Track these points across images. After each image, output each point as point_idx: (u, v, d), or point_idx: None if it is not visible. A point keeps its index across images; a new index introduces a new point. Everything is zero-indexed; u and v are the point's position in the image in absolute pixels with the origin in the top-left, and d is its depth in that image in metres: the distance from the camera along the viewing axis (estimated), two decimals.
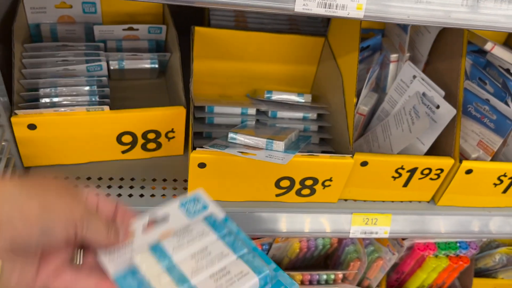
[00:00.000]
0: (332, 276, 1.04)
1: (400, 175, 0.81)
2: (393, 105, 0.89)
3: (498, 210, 0.90)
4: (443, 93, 0.80)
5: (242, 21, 1.02)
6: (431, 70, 0.90)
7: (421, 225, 0.88)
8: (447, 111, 0.78)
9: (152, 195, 0.78)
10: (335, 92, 0.86)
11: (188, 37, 0.86)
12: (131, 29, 0.93)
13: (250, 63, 0.97)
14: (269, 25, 1.01)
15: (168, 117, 0.80)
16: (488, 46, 0.88)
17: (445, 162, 0.80)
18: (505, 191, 0.86)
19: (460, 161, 0.80)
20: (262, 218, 0.81)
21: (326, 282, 1.05)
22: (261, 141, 0.73)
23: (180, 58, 0.85)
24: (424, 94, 0.82)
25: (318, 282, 1.05)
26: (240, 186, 0.77)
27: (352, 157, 0.77)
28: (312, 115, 0.91)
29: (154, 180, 0.81)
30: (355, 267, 1.04)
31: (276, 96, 0.91)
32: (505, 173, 0.82)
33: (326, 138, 0.90)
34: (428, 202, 0.89)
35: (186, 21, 0.92)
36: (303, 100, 0.92)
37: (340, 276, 1.05)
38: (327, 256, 1.18)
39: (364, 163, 0.78)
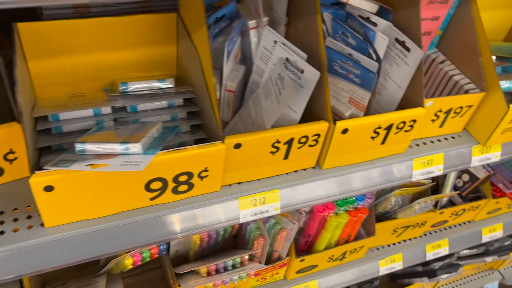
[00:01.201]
0: (238, 260, 1.00)
1: (278, 149, 0.77)
2: (261, 75, 0.84)
3: (381, 160, 0.90)
4: (305, 56, 0.76)
5: (83, 6, 0.89)
6: (293, 31, 0.85)
7: (311, 192, 0.86)
8: (311, 74, 0.74)
9: (2, 232, 0.66)
10: (196, 72, 0.78)
11: None
12: None
13: (102, 54, 0.85)
14: (115, 7, 0.89)
15: (1, 138, 0.67)
16: None
17: (320, 127, 0.77)
18: (383, 141, 0.86)
19: (334, 123, 0.77)
20: (141, 226, 0.73)
21: (234, 266, 1.01)
22: (114, 147, 0.64)
23: (3, 63, 0.71)
24: (287, 59, 0.77)
25: (226, 269, 1.01)
26: (104, 199, 0.68)
27: (222, 142, 0.70)
28: (178, 101, 0.82)
29: (1, 213, 0.69)
30: (259, 244, 1.01)
31: (133, 87, 0.81)
32: (380, 125, 0.82)
33: (199, 124, 0.83)
34: (314, 168, 0.86)
35: (14, 17, 0.77)
36: (166, 86, 0.83)
37: (246, 257, 1.01)
38: (235, 236, 1.14)
39: (237, 146, 0.72)
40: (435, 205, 1.29)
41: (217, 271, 1.00)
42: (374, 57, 0.79)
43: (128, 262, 0.95)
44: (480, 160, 0.99)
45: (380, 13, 0.90)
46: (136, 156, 0.63)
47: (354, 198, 1.10)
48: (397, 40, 0.84)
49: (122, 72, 0.88)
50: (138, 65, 0.89)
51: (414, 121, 0.84)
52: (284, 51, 0.77)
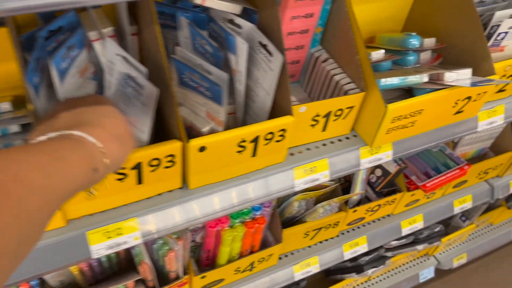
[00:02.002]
0: (121, 286, 0.93)
1: (126, 175, 0.69)
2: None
3: (257, 173, 0.84)
4: (145, 70, 0.67)
5: None
6: (142, 41, 0.77)
7: (180, 214, 0.79)
8: (151, 91, 0.66)
9: None
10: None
11: None
12: None
13: None
14: None
15: None
16: (198, 0, 0.77)
17: (172, 147, 0.70)
18: (254, 154, 0.80)
19: (188, 141, 0.70)
20: None
21: None
22: None
23: None
24: (129, 75, 0.69)
25: None
26: None
27: None
28: (14, 127, 0.73)
29: None
30: (145, 269, 0.93)
31: None
32: (243, 138, 0.75)
33: None
34: (182, 188, 0.79)
35: None
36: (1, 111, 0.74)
37: (131, 284, 0.94)
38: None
39: None
40: (346, 203, 1.25)
41: None
42: (231, 65, 0.72)
43: None
44: (370, 161, 0.94)
45: (247, 13, 0.83)
46: None
47: (250, 209, 1.04)
48: (260, 43, 0.78)
49: None
50: None
51: (284, 130, 0.78)
52: (124, 65, 0.69)
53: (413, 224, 1.42)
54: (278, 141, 0.80)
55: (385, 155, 0.95)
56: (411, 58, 1.01)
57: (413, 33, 1.01)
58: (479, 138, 1.48)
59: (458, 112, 0.97)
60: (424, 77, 0.90)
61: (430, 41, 1.03)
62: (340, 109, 0.86)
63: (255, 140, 0.77)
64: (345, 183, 1.31)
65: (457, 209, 1.51)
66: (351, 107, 0.88)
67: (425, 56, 1.05)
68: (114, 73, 0.72)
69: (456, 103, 0.93)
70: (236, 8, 0.80)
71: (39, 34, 0.70)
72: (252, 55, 0.80)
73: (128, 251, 1.01)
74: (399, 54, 1.02)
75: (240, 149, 0.77)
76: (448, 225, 2.01)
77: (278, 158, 0.85)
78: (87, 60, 0.77)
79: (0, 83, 0.79)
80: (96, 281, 1.06)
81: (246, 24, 0.79)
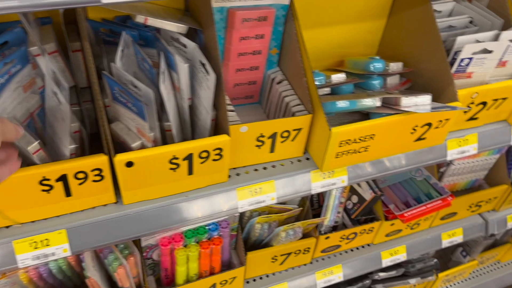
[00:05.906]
0: None
1: (51, 187, 0.70)
2: None
3: (198, 191, 0.83)
4: (66, 86, 0.69)
5: None
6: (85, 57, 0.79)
7: (112, 230, 0.78)
8: (66, 108, 0.68)
9: None
10: None
11: None
12: None
13: None
14: None
15: None
16: (140, 19, 0.79)
17: (98, 161, 0.71)
18: (190, 172, 0.79)
19: (114, 155, 0.71)
20: None
21: None
22: None
23: None
24: (53, 90, 0.71)
25: None
26: None
27: None
28: None
29: None
30: (92, 283, 0.94)
31: None
32: (175, 155, 0.75)
33: None
34: (116, 203, 0.80)
35: None
36: None
37: None
38: None
39: None
40: (317, 228, 1.21)
41: None
42: (160, 82, 0.73)
43: None
44: (323, 185, 0.91)
45: (197, 33, 0.85)
46: None
47: (206, 229, 1.03)
48: (201, 62, 0.78)
49: None
50: None
51: (221, 149, 0.78)
52: (52, 81, 0.71)
53: (394, 255, 1.36)
54: (215, 160, 0.79)
55: (339, 180, 0.93)
56: (376, 82, 0.99)
57: (377, 57, 0.99)
58: (470, 169, 1.41)
59: (419, 139, 0.93)
60: (377, 101, 0.88)
61: (396, 66, 1.01)
62: (287, 131, 0.85)
63: (189, 158, 0.76)
64: (319, 208, 1.28)
65: (446, 242, 1.43)
66: (299, 129, 0.86)
67: (393, 80, 1.03)
68: (48, 88, 0.74)
69: (415, 129, 0.90)
70: (179, 28, 0.81)
71: None
72: (195, 74, 0.81)
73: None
74: (363, 77, 1.00)
75: (173, 166, 0.76)
76: (450, 260, 1.91)
77: (220, 177, 0.84)
78: (32, 75, 0.80)
79: None
80: None
81: (190, 44, 0.80)
